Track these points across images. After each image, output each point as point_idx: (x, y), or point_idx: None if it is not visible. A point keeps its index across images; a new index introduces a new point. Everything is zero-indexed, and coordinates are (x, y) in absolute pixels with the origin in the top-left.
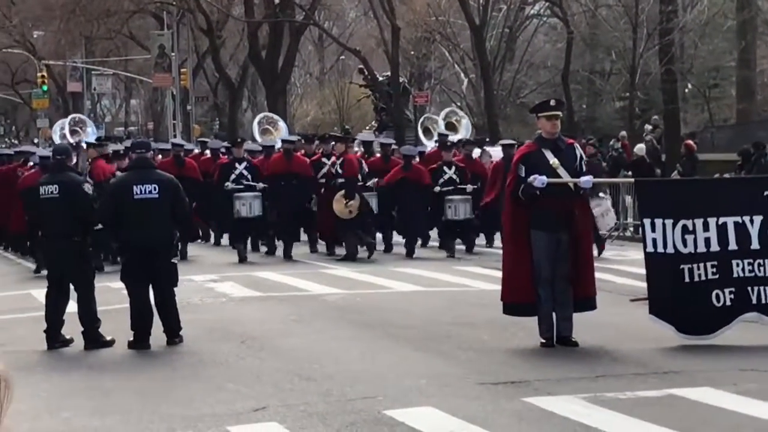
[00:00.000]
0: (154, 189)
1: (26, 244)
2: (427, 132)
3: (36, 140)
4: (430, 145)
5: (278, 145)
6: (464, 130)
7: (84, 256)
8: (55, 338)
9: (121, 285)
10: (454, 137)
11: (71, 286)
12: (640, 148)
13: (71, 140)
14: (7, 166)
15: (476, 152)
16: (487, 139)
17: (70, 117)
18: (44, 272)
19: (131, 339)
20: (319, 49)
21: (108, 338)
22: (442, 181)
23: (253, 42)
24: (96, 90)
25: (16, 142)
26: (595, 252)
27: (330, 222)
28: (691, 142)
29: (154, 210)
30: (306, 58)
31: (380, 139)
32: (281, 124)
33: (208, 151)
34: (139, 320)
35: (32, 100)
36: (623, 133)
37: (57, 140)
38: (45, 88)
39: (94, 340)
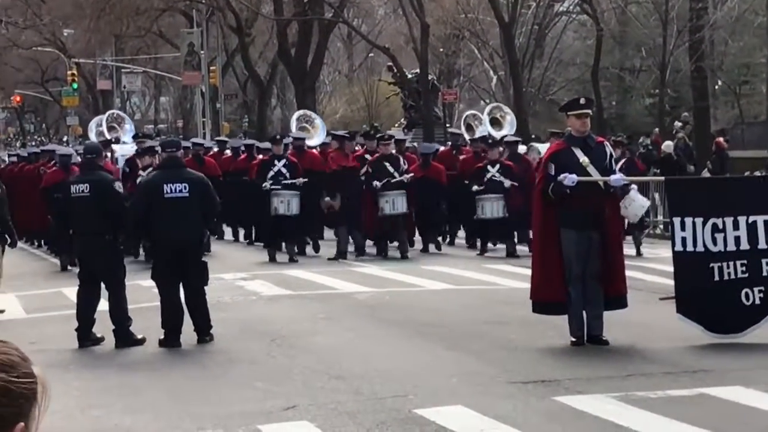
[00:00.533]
0: (185, 188)
1: (49, 241)
2: (470, 129)
3: (66, 138)
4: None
5: (314, 142)
6: (509, 127)
7: (115, 255)
8: (86, 337)
9: (151, 283)
10: (497, 134)
11: (102, 285)
12: (667, 146)
13: (108, 136)
14: (34, 164)
15: (522, 148)
16: (533, 136)
17: (107, 113)
18: (73, 269)
19: (162, 337)
20: (348, 46)
21: (139, 336)
22: (485, 179)
23: (282, 40)
24: (126, 88)
25: (46, 140)
26: (633, 252)
27: (372, 220)
28: (721, 139)
29: (184, 208)
30: (335, 55)
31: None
32: (318, 121)
33: (228, 151)
34: (169, 319)
35: (62, 98)
36: (657, 129)
37: (93, 137)
38: (75, 86)
39: (125, 338)
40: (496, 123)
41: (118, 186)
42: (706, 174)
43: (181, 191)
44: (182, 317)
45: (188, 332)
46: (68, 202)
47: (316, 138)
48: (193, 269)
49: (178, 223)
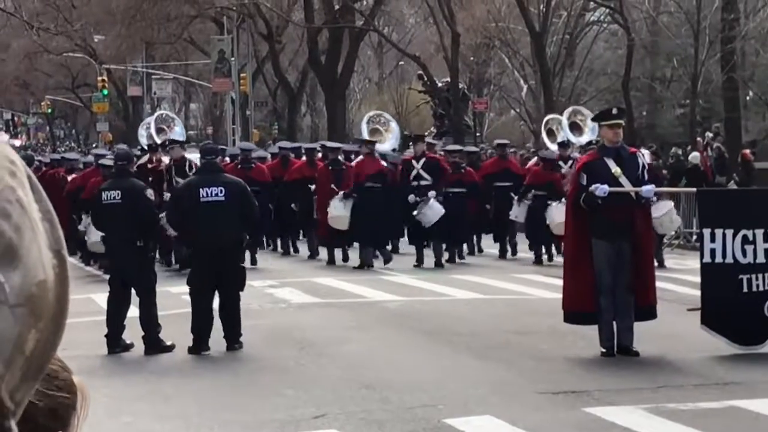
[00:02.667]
0: (221, 192)
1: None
2: (551, 134)
3: (95, 144)
4: (553, 148)
5: (385, 147)
6: (590, 132)
7: (146, 261)
8: (115, 343)
9: (181, 290)
10: (578, 139)
11: (132, 291)
12: (694, 156)
13: (157, 139)
14: (54, 170)
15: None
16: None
17: (156, 114)
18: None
19: (191, 344)
20: (378, 54)
21: (168, 343)
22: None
23: (312, 47)
24: (156, 94)
25: (76, 146)
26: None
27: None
28: (747, 151)
29: (220, 212)
30: (365, 63)
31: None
32: (393, 125)
33: (227, 158)
34: (199, 325)
35: (92, 104)
36: (699, 139)
37: (143, 141)
38: (105, 92)
39: (154, 344)
40: (575, 127)
41: (150, 193)
42: (732, 186)
43: (217, 195)
44: (212, 324)
45: (218, 339)
46: (99, 209)
47: (387, 143)
48: (231, 273)
49: (216, 227)
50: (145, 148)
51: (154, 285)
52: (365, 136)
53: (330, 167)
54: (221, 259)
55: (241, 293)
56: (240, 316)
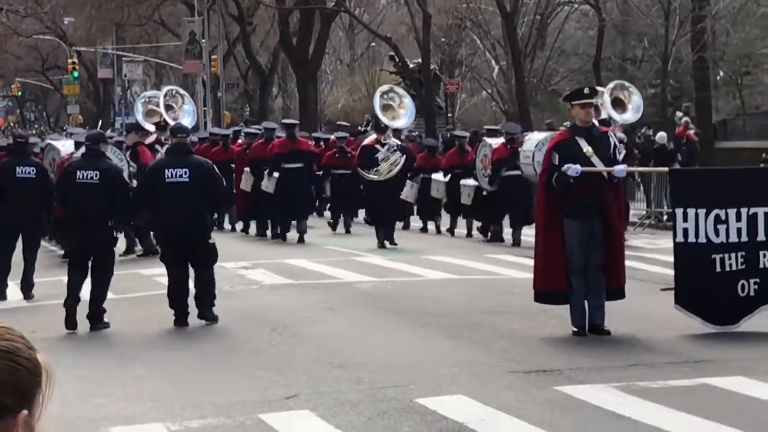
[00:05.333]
0: (185, 173)
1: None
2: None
3: (66, 126)
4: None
5: (398, 124)
6: (633, 111)
7: (113, 241)
8: (74, 322)
9: (151, 272)
10: (620, 117)
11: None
12: (661, 137)
13: (168, 118)
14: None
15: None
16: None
17: (166, 89)
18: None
19: (174, 318)
20: (349, 35)
21: (106, 320)
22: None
23: (283, 29)
24: (126, 77)
25: (47, 128)
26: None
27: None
28: (691, 132)
29: (184, 194)
30: (336, 44)
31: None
32: (407, 101)
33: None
34: (176, 301)
35: (63, 87)
36: (685, 119)
37: (139, 117)
38: (76, 74)
39: (99, 318)
40: (618, 104)
41: (126, 175)
42: (676, 165)
43: (181, 176)
44: (187, 295)
45: (193, 320)
46: (70, 188)
47: (400, 120)
48: (200, 252)
49: (179, 208)
50: (150, 126)
51: (113, 265)
52: (377, 111)
53: (246, 150)
54: (187, 240)
55: (214, 266)
56: (214, 284)
